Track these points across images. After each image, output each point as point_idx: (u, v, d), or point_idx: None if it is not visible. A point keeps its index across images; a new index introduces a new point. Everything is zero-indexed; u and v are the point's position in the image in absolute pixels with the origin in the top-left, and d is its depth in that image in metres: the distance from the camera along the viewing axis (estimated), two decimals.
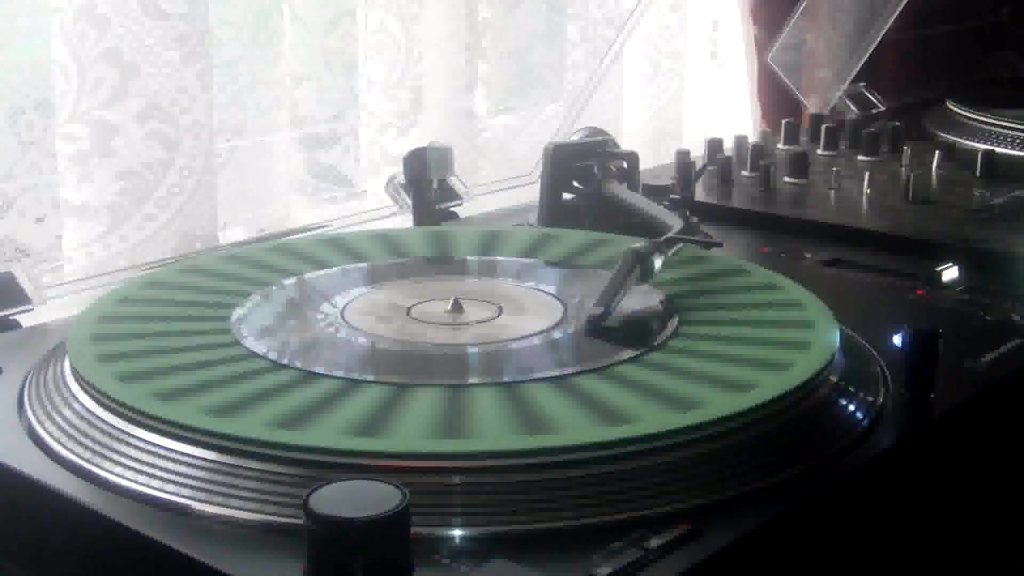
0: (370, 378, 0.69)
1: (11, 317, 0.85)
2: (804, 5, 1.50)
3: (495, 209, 1.20)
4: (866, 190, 1.17)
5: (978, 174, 1.23)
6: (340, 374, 0.69)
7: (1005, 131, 1.39)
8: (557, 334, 0.77)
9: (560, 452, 0.60)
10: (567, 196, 1.08)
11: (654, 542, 0.55)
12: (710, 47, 1.67)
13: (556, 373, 0.70)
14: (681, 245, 0.88)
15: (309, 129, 1.20)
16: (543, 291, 0.85)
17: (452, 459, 0.59)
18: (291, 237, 1.05)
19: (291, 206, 1.21)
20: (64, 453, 0.64)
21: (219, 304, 0.80)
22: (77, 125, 1.01)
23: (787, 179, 1.22)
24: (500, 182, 1.29)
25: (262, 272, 0.87)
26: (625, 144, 1.26)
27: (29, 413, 0.69)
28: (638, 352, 0.73)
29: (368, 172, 1.25)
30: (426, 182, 1.11)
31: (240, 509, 0.58)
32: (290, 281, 0.86)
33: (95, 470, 0.62)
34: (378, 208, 1.17)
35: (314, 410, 0.64)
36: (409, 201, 1.12)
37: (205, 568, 0.54)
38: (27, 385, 0.72)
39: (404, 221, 1.12)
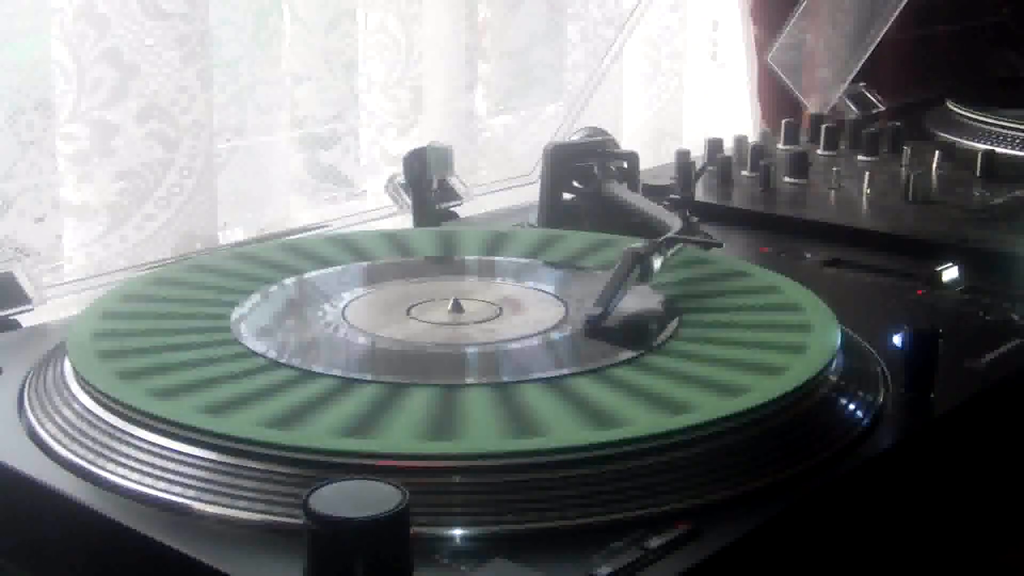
0: (370, 378, 0.69)
1: (11, 317, 0.85)
2: (804, 5, 1.50)
3: (495, 209, 1.20)
4: (866, 190, 1.17)
5: (978, 174, 1.23)
6: (339, 373, 0.69)
7: (1005, 131, 1.39)
8: (557, 335, 0.77)
9: (560, 452, 0.60)
10: (567, 196, 1.08)
11: (654, 542, 0.55)
12: (710, 47, 1.67)
13: (556, 374, 0.70)
14: (681, 245, 0.88)
15: (309, 129, 1.20)
16: (544, 291, 0.85)
17: (452, 459, 0.59)
18: (291, 237, 1.05)
19: (291, 206, 1.21)
20: (64, 453, 0.64)
21: (220, 303, 0.80)
22: (77, 125, 1.01)
23: (787, 179, 1.22)
24: (500, 182, 1.29)
25: (265, 271, 0.87)
26: (625, 144, 1.26)
27: (29, 413, 0.69)
28: (638, 353, 0.73)
29: (368, 172, 1.25)
30: (426, 182, 1.11)
31: (240, 509, 0.58)
32: (291, 280, 0.86)
33: (95, 470, 0.62)
34: (378, 208, 1.17)
35: (313, 410, 0.64)
36: (409, 201, 1.12)
37: (205, 568, 0.54)
38: (27, 385, 0.72)
39: (404, 221, 1.12)
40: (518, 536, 0.56)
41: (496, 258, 0.93)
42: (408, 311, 0.80)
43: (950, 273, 0.94)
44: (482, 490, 0.58)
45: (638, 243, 0.83)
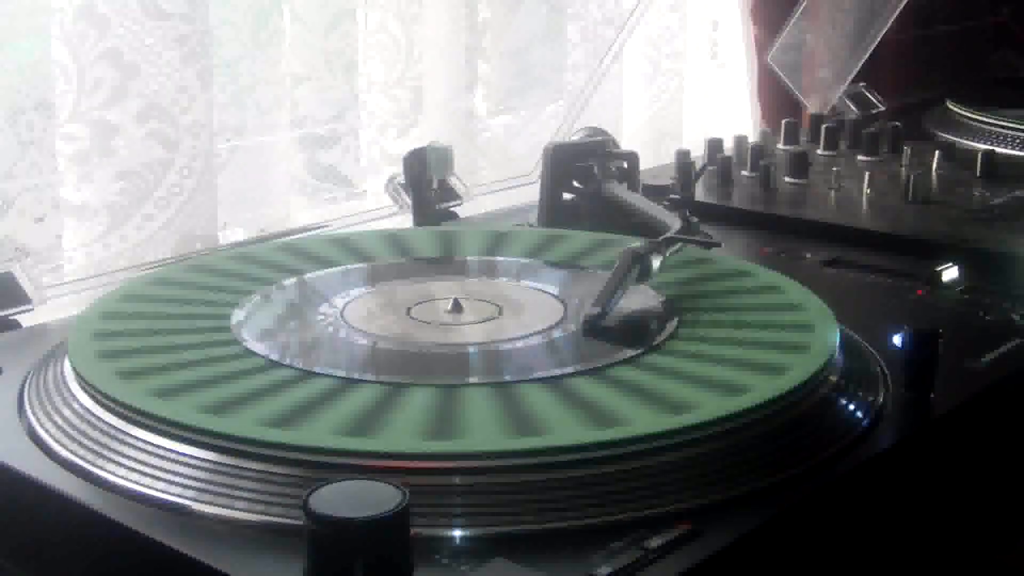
0: (370, 378, 0.69)
1: (11, 317, 0.85)
2: (804, 5, 1.50)
3: (495, 209, 1.20)
4: (866, 190, 1.17)
5: (978, 174, 1.23)
6: (339, 374, 0.69)
7: (1005, 131, 1.39)
8: (556, 334, 0.77)
9: (560, 452, 0.60)
10: (567, 196, 1.08)
11: (654, 542, 0.55)
12: (710, 47, 1.67)
13: (556, 373, 0.70)
14: (680, 245, 0.88)
15: (309, 129, 1.20)
16: (543, 291, 0.85)
17: (452, 459, 0.59)
18: (292, 237, 1.05)
19: (291, 206, 1.21)
20: (64, 453, 0.64)
21: (220, 303, 0.80)
22: (77, 125, 1.01)
23: (787, 179, 1.22)
24: (500, 182, 1.29)
25: (265, 271, 0.87)
26: (625, 144, 1.26)
27: (29, 413, 0.69)
28: (637, 352, 0.73)
29: (368, 172, 1.25)
30: (426, 182, 1.11)
31: (240, 509, 0.58)
32: (291, 281, 0.86)
33: (95, 470, 0.62)
34: (378, 208, 1.17)
35: (313, 409, 0.64)
36: (409, 201, 1.12)
37: (205, 568, 0.54)
38: (27, 385, 0.72)
39: (404, 221, 1.12)
40: (518, 536, 0.56)
41: (496, 258, 0.93)
42: (408, 311, 0.80)
43: (950, 273, 0.94)
44: (482, 490, 0.58)
45: (637, 243, 0.83)
